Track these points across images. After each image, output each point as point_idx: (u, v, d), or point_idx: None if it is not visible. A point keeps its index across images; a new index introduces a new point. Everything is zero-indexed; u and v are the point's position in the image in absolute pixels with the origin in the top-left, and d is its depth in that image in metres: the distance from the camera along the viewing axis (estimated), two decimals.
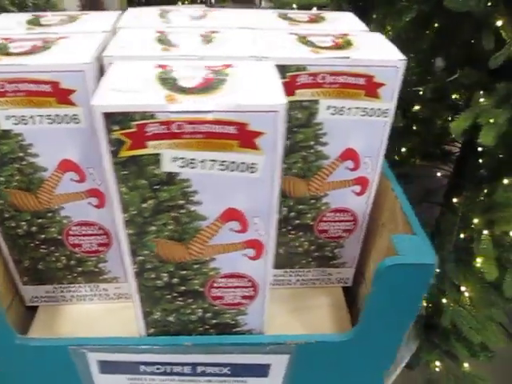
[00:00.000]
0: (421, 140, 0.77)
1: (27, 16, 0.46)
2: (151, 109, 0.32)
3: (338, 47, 0.42)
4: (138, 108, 0.31)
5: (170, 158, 0.34)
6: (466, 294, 0.69)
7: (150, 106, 0.32)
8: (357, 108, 0.42)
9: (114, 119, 0.32)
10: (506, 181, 0.64)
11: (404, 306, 0.42)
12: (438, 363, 0.79)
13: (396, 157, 0.83)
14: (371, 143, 0.45)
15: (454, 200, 0.74)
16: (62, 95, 0.38)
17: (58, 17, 0.46)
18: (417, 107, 0.72)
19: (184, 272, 0.40)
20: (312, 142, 0.44)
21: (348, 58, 0.40)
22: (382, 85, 0.41)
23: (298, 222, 0.49)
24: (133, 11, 0.49)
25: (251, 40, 0.42)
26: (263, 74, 0.36)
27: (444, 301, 0.72)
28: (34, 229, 0.45)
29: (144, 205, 0.36)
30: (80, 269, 0.49)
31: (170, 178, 0.35)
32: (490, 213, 0.63)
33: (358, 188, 0.48)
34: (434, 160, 1.01)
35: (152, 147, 0.33)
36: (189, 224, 0.37)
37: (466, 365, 0.77)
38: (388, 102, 0.42)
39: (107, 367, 0.45)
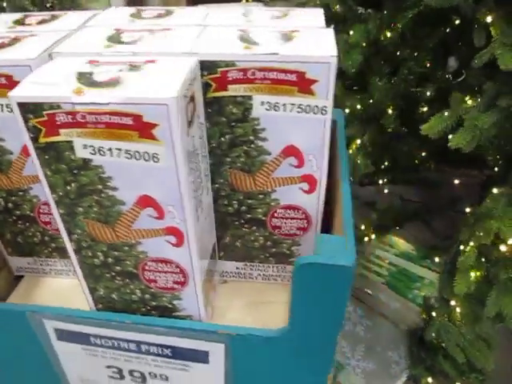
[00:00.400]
0: (428, 144, 0.72)
1: (17, 16, 0.52)
2: (56, 100, 0.35)
3: (280, 42, 0.42)
4: (46, 99, 0.35)
5: (81, 145, 0.37)
6: (458, 310, 0.64)
7: (55, 97, 0.35)
8: (292, 104, 0.42)
9: (27, 108, 0.35)
10: (495, 190, 0.58)
11: (325, 306, 0.42)
12: (430, 380, 0.74)
13: (416, 161, 0.79)
14: (312, 141, 0.44)
15: (467, 210, 0.69)
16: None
17: (43, 16, 0.51)
18: (424, 108, 0.68)
19: (116, 253, 0.44)
20: (252, 137, 0.45)
21: (277, 53, 0.40)
22: (315, 81, 0.41)
23: (249, 216, 0.50)
24: (111, 10, 0.53)
25: (194, 37, 0.44)
26: (177, 69, 0.37)
27: (434, 314, 0.67)
28: (10, 205, 0.51)
29: (68, 187, 0.39)
30: (54, 245, 0.54)
31: (85, 164, 0.38)
32: (476, 224, 0.58)
33: (305, 186, 0.47)
34: (471, 167, 0.94)
35: (64, 135, 0.36)
36: (111, 208, 0.40)
37: None
38: (323, 98, 0.42)
39: (63, 335, 0.50)
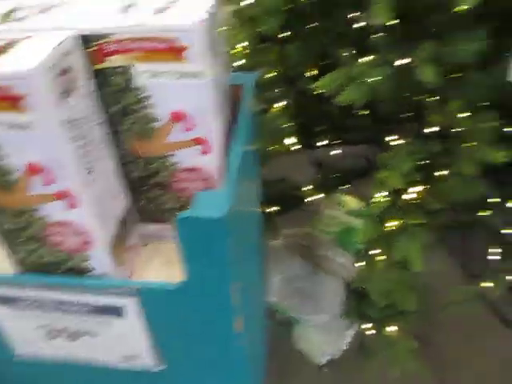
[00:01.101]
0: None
1: None
2: None
3: (156, 12, 0.44)
4: None
5: None
6: (380, 258, 0.67)
7: None
8: (169, 71, 0.45)
9: None
10: (401, 141, 0.60)
11: (209, 257, 0.45)
12: (369, 325, 0.78)
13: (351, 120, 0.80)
14: (197, 105, 0.47)
15: None
16: None
17: None
18: None
19: (20, 219, 0.47)
20: (139, 105, 0.47)
21: (144, 24, 0.43)
22: (185, 48, 0.43)
23: (155, 180, 0.53)
24: None
25: (77, 11, 0.47)
26: (47, 44, 0.40)
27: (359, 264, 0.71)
28: None
29: None
30: None
31: None
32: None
33: (200, 148, 0.50)
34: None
35: None
36: (4, 176, 0.44)
37: (389, 329, 0.75)
38: (197, 63, 0.44)
39: None
